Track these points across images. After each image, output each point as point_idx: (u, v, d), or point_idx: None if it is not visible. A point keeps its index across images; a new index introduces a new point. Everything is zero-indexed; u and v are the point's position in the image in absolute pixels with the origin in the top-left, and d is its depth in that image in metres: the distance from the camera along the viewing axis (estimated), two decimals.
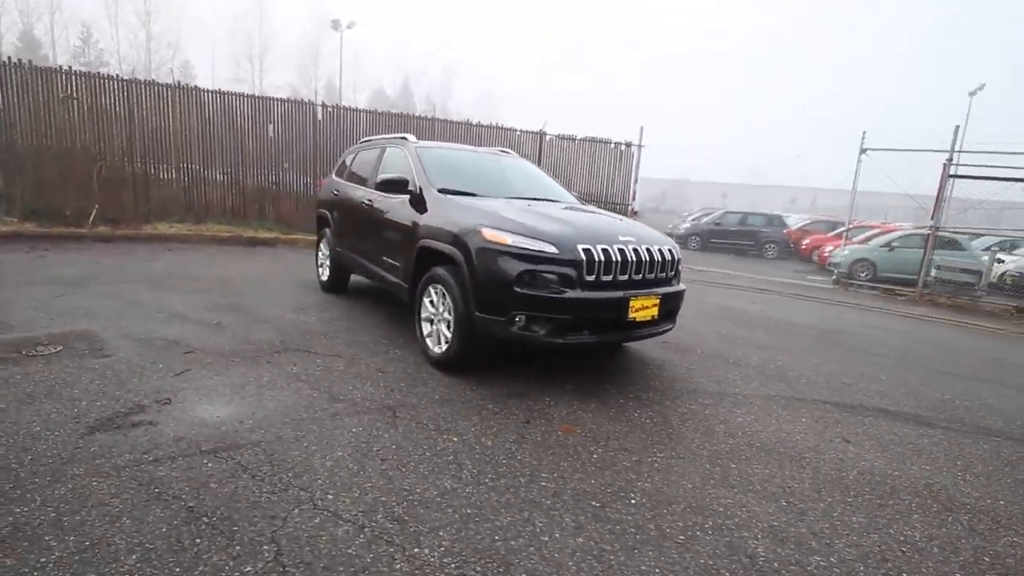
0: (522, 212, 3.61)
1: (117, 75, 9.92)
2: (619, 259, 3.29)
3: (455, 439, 2.68)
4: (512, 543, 1.94)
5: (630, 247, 3.36)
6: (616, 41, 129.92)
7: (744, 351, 4.82)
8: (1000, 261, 11.33)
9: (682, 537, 2.05)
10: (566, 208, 4.14)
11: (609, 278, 3.27)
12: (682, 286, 3.82)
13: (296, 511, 2.01)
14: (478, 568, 1.80)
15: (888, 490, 2.55)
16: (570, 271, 3.15)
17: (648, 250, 3.44)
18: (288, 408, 2.87)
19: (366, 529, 1.95)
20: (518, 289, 3.12)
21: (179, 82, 10.36)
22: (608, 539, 2.01)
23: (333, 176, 5.94)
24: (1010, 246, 13.09)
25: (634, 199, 13.37)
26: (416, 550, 1.86)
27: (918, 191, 11.32)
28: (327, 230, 5.77)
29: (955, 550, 2.13)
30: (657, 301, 3.41)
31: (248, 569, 1.70)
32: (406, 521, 2.01)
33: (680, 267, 3.83)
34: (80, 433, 2.43)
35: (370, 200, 4.71)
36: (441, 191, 3.94)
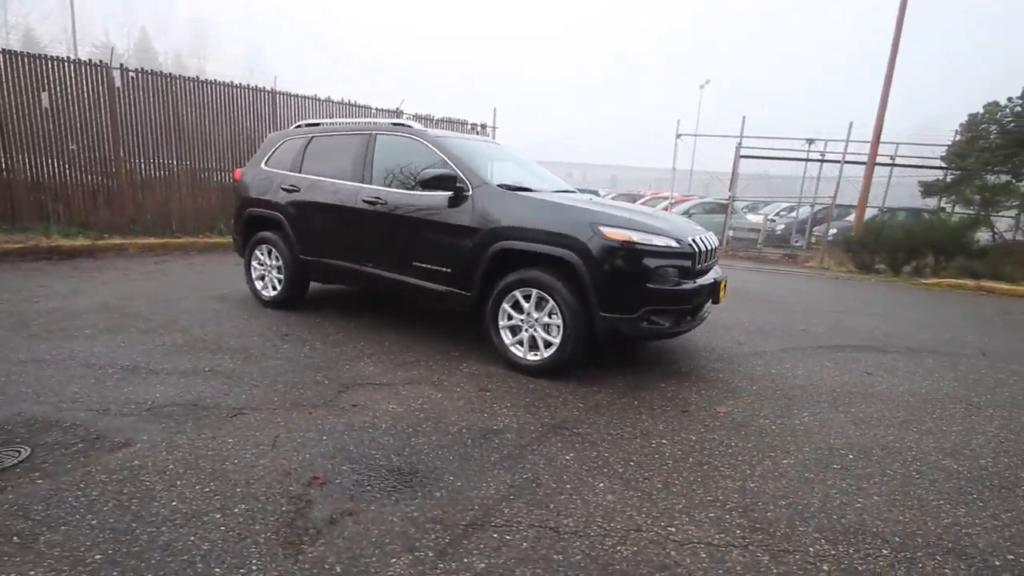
0: (612, 207, 3.62)
1: None
2: (706, 248, 3.57)
3: (664, 440, 2.68)
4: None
5: (698, 236, 3.66)
6: None
7: None
8: (772, 221, 14.97)
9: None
10: (610, 200, 4.24)
11: (701, 267, 3.54)
12: None
13: (659, 550, 1.83)
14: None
15: (923, 401, 3.43)
16: (688, 263, 3.32)
17: (704, 239, 3.80)
18: (462, 454, 2.46)
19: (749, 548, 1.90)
20: (650, 285, 3.17)
21: None
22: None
23: (267, 167, 4.81)
24: (761, 206, 17.41)
25: None
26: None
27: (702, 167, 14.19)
28: (269, 234, 4.70)
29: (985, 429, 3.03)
30: (725, 283, 3.82)
31: None
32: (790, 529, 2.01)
33: None
34: None
35: (377, 198, 4.01)
36: (502, 187, 3.63)
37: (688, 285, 3.30)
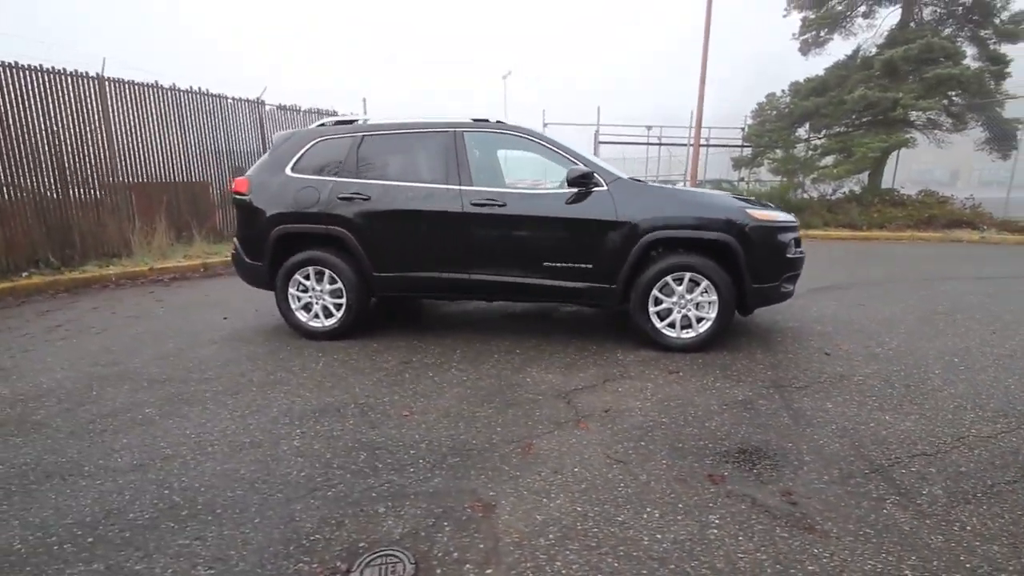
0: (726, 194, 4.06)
1: None
2: None
3: (856, 366, 3.26)
4: None
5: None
6: None
7: None
8: None
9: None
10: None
11: None
12: None
13: None
14: None
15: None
16: (798, 235, 3.92)
17: None
18: (764, 426, 2.68)
19: None
20: (788, 255, 3.70)
21: None
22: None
23: (300, 175, 3.96)
24: None
25: None
26: None
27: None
28: (319, 254, 3.94)
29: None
30: None
31: None
32: None
33: None
34: None
35: (490, 200, 3.70)
36: (633, 180, 3.74)
37: (802, 253, 3.93)
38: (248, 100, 10.44)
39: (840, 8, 13.66)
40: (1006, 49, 11.77)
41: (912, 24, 12.87)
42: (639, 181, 3.84)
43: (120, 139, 8.26)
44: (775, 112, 14.28)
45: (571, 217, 3.67)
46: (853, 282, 6.28)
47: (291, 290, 4.04)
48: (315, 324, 4.05)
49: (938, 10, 12.93)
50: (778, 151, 14.05)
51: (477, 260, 3.80)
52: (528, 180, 4.56)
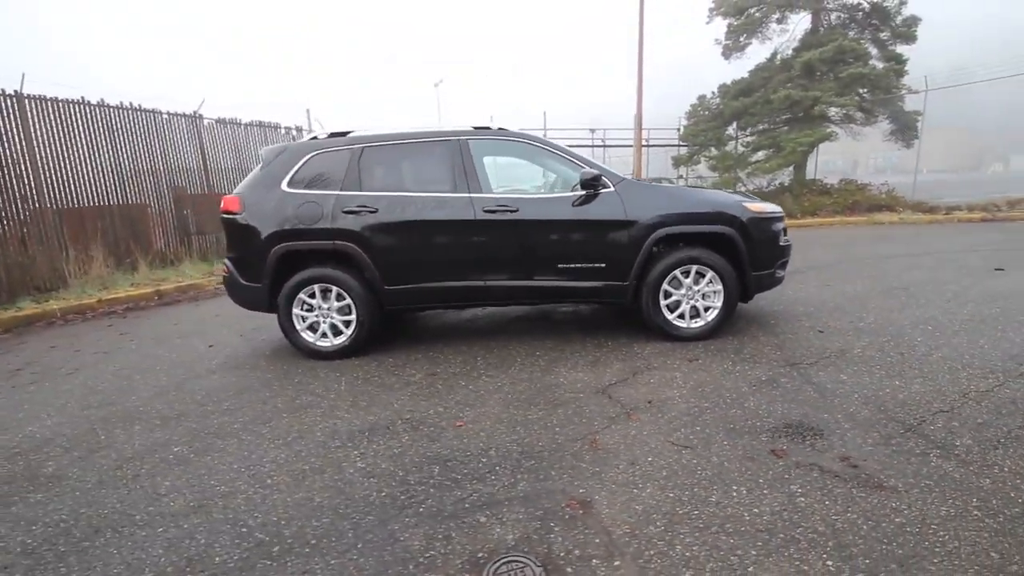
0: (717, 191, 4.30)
1: None
2: None
3: (852, 342, 3.56)
4: None
5: None
6: None
7: None
8: None
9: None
10: None
11: None
12: None
13: None
14: None
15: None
16: (784, 224, 4.22)
17: None
18: (800, 400, 2.89)
19: None
20: (780, 243, 3.98)
21: None
22: None
23: (297, 189, 3.79)
24: None
25: None
26: None
27: None
28: (326, 271, 3.80)
29: None
30: None
31: None
32: None
33: None
34: None
35: (503, 206, 3.72)
36: (638, 180, 3.89)
37: (789, 241, 4.23)
38: (185, 115, 9.81)
39: (758, 15, 14.76)
40: (902, 49, 13.21)
41: (821, 29, 14.14)
42: (641, 181, 4.00)
43: (45, 162, 7.52)
44: (707, 113, 15.19)
45: (584, 219, 3.77)
46: (811, 266, 6.81)
47: (295, 310, 3.86)
48: (323, 343, 3.90)
49: (842, 16, 14.30)
50: (713, 149, 14.95)
51: (492, 266, 3.82)
52: (526, 185, 4.62)
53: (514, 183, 4.54)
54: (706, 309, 3.91)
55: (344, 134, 4.02)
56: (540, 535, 1.88)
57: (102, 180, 8.42)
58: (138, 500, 2.23)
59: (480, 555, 1.79)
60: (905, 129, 13.59)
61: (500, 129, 4.02)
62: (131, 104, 8.85)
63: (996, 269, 5.81)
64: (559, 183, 4.06)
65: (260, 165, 3.97)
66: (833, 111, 13.05)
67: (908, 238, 9.02)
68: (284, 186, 3.84)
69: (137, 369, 4.00)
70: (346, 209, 3.76)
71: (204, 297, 7.08)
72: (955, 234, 9.16)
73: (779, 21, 15.21)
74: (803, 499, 2.02)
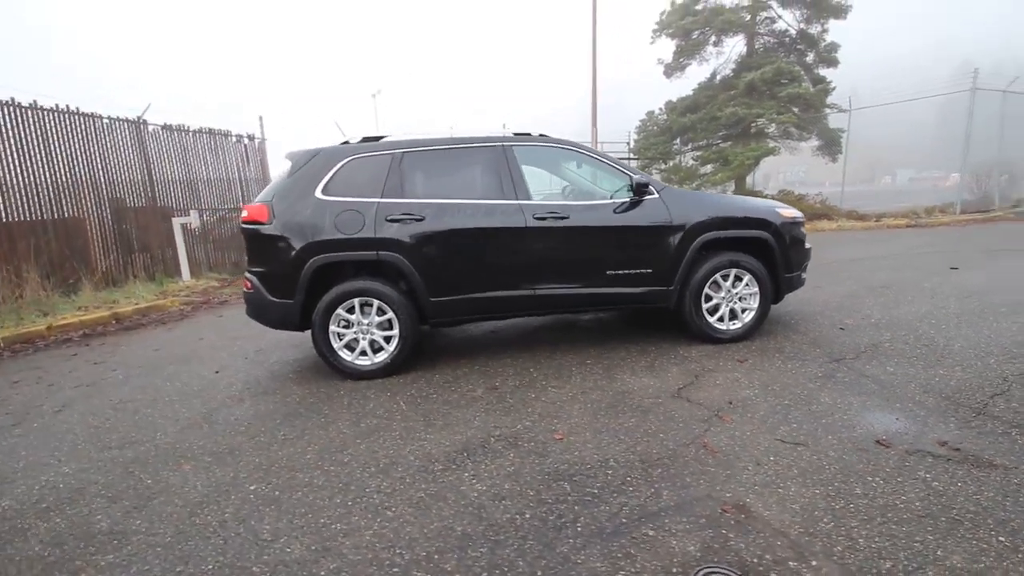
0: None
1: None
2: None
3: (872, 340, 3.81)
4: None
5: None
6: None
7: None
8: None
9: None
10: None
11: None
12: None
13: None
14: None
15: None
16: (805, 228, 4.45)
17: None
18: (864, 390, 3.04)
19: None
20: (806, 246, 4.20)
21: None
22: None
23: (333, 197, 3.53)
24: None
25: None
26: None
27: None
28: (367, 284, 3.55)
29: None
30: None
31: None
32: None
33: None
34: None
35: (553, 213, 3.66)
36: (675, 188, 3.97)
37: (809, 244, 4.47)
38: (127, 120, 8.94)
39: (699, 38, 15.76)
40: (826, 72, 14.60)
41: (755, 53, 15.33)
42: (681, 189, 4.10)
43: None
44: (656, 127, 15.96)
45: (633, 225, 3.79)
46: None
47: (332, 327, 3.58)
48: (362, 362, 3.63)
49: (772, 40, 15.59)
50: (662, 163, 15.70)
51: (543, 275, 3.74)
52: (548, 191, 4.60)
53: (542, 189, 4.51)
54: (743, 311, 4.05)
55: (378, 139, 3.81)
56: (720, 543, 1.83)
57: (34, 192, 7.47)
58: (244, 550, 1.94)
59: (675, 570, 1.71)
60: (831, 144, 14.95)
61: (541, 135, 3.98)
62: (67, 107, 7.94)
63: (952, 268, 6.48)
64: (589, 190, 4.09)
65: (288, 171, 3.67)
66: (772, 128, 14.12)
67: (857, 243, 9.86)
68: (318, 193, 3.56)
69: (141, 402, 3.53)
70: (390, 217, 3.55)
71: (172, 319, 6.41)
72: (892, 239, 10.14)
73: (715, 44, 16.31)
74: (937, 483, 2.11)
